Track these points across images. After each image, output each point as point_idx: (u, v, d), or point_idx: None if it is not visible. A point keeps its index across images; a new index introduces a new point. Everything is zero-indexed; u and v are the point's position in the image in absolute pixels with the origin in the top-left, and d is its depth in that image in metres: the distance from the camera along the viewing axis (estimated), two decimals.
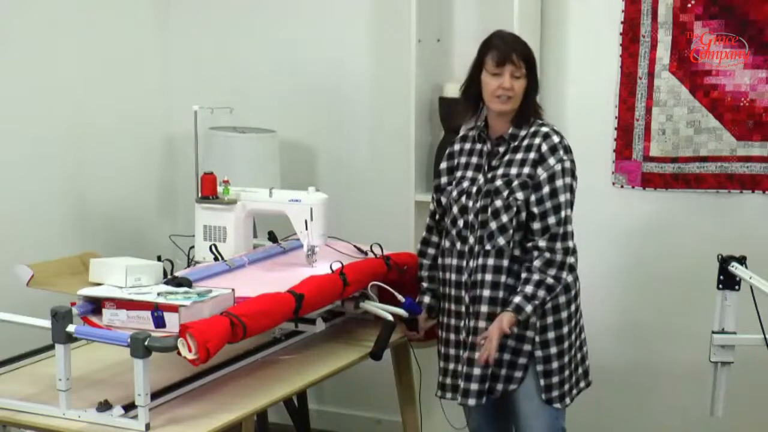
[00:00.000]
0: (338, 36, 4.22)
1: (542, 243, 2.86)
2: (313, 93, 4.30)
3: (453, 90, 3.85)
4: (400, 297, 3.13)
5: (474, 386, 2.92)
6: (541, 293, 2.84)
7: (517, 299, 2.84)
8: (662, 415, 3.95)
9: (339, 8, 4.22)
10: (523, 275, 2.88)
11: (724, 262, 3.08)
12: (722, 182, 3.73)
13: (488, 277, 2.90)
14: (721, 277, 3.07)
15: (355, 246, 3.39)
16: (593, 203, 3.59)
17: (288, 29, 4.31)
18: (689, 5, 3.67)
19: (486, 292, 2.90)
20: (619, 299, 3.95)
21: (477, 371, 2.91)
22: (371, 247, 3.33)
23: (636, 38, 3.75)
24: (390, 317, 3.06)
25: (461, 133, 3.12)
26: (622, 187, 3.87)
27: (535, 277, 2.85)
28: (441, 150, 3.73)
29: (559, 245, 2.87)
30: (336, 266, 3.04)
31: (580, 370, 3.08)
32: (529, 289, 2.84)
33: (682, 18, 3.68)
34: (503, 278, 2.90)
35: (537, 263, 2.86)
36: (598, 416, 3.86)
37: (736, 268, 3.05)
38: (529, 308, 2.83)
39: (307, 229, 3.23)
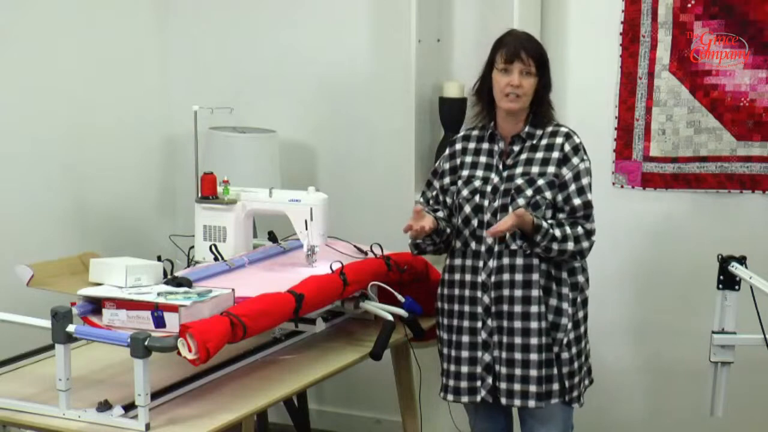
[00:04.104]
0: (338, 36, 4.22)
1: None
2: (312, 93, 4.30)
3: (453, 90, 3.87)
4: (400, 297, 3.13)
5: (533, 388, 2.89)
6: (558, 234, 2.82)
7: (543, 223, 2.82)
8: (662, 415, 3.95)
9: (339, 8, 4.21)
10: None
11: (724, 262, 3.08)
12: (722, 182, 3.73)
13: (518, 276, 2.88)
14: (721, 277, 3.07)
15: (355, 246, 3.39)
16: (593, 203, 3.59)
17: (288, 29, 4.31)
18: (689, 5, 3.66)
19: (518, 292, 2.88)
20: (619, 299, 3.95)
21: (534, 372, 2.89)
22: (371, 247, 3.33)
23: (636, 38, 3.75)
24: (390, 317, 3.05)
25: (462, 132, 3.11)
26: (622, 187, 3.87)
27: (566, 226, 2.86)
28: (441, 150, 3.73)
29: (587, 226, 2.91)
30: (336, 266, 3.04)
31: (586, 368, 3.08)
32: (555, 224, 2.84)
33: (682, 18, 3.68)
34: (535, 276, 2.88)
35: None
36: (598, 415, 3.85)
37: (736, 268, 3.05)
38: (544, 230, 2.79)
39: (307, 229, 3.23)
